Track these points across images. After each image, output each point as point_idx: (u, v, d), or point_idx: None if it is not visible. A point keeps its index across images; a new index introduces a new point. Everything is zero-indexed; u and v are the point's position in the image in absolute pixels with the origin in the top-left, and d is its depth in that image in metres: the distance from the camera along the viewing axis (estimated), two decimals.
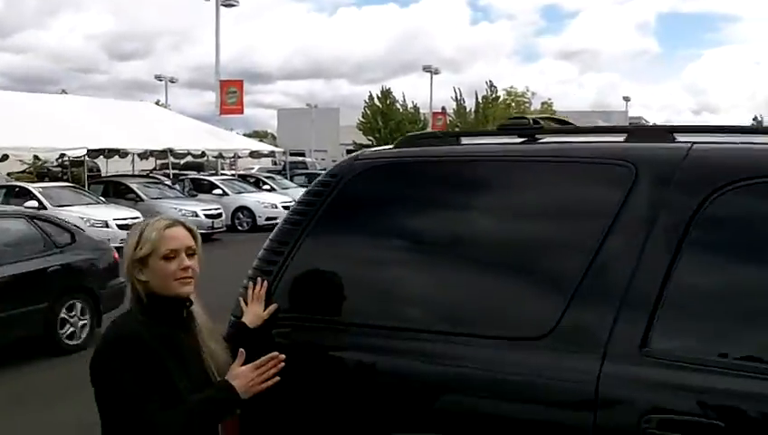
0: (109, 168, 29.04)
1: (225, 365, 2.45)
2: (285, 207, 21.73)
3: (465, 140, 2.83)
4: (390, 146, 2.90)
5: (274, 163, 39.87)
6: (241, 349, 2.38)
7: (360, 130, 56.33)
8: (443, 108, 55.00)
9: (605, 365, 2.26)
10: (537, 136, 2.76)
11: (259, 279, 2.75)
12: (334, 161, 30.72)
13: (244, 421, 2.66)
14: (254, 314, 2.71)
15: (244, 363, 2.38)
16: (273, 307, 2.68)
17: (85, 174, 21.11)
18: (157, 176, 24.55)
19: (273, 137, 50.59)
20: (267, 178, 25.44)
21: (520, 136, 2.75)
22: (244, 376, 2.33)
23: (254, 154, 26.84)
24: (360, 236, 2.72)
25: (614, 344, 2.27)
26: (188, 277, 2.33)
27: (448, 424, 2.40)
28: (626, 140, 2.59)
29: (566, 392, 2.31)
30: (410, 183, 2.71)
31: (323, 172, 2.91)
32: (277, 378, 2.35)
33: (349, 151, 62.43)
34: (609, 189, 2.42)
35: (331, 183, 2.75)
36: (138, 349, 2.25)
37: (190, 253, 2.35)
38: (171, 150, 23.14)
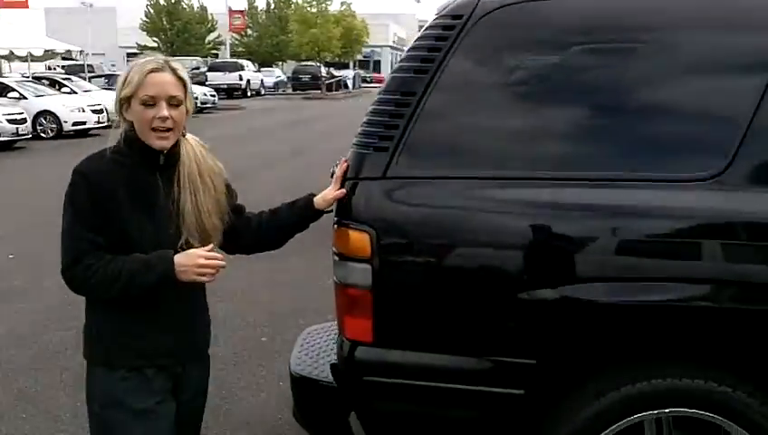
0: None
1: (213, 230, 2.31)
2: (95, 111, 20.05)
3: None
4: None
5: (49, 68, 36.33)
6: (212, 244, 2.26)
7: (143, 30, 52.96)
8: (229, 8, 52.91)
9: None
10: None
11: (341, 159, 2.54)
12: (113, 66, 28.30)
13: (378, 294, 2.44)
14: (324, 194, 2.55)
15: None
16: (340, 192, 2.49)
17: None
18: None
19: None
20: (65, 79, 23.18)
21: None
22: (189, 257, 2.19)
23: (48, 54, 24.24)
24: (506, 82, 2.48)
25: None
26: (166, 129, 2.19)
27: (615, 273, 2.33)
28: None
29: (750, 227, 2.31)
30: (554, 22, 2.48)
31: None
32: (212, 278, 2.23)
33: (130, 55, 58.73)
34: None
35: (455, 26, 2.46)
36: (86, 185, 2.17)
37: (174, 103, 2.20)
38: None
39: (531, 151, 2.41)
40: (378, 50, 65.48)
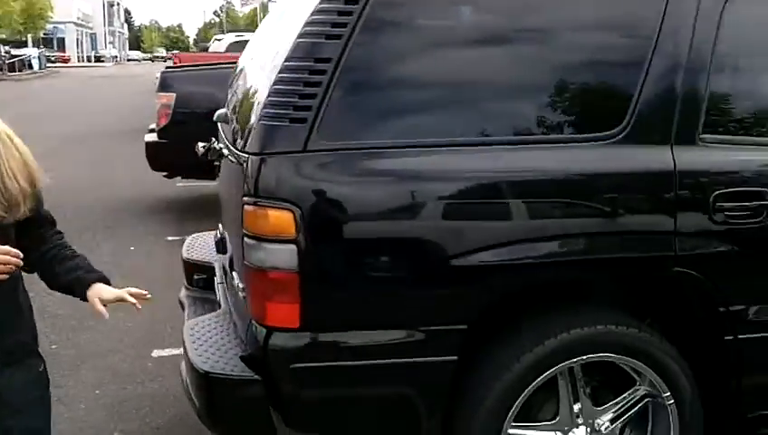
0: None
1: (21, 195, 2.09)
2: None
3: None
4: None
5: None
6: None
7: None
8: None
9: (675, 152, 2.46)
10: None
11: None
12: None
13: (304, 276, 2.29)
14: (96, 294, 2.29)
15: None
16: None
17: None
18: None
19: None
20: None
21: None
22: None
23: None
24: (429, 41, 2.44)
25: (679, 135, 2.49)
26: None
27: (532, 232, 2.41)
28: None
29: (648, 179, 2.49)
30: None
31: None
32: (4, 276, 2.06)
33: None
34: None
35: None
36: None
37: None
38: None
39: (469, 116, 2.41)
40: (61, 26, 60.58)
